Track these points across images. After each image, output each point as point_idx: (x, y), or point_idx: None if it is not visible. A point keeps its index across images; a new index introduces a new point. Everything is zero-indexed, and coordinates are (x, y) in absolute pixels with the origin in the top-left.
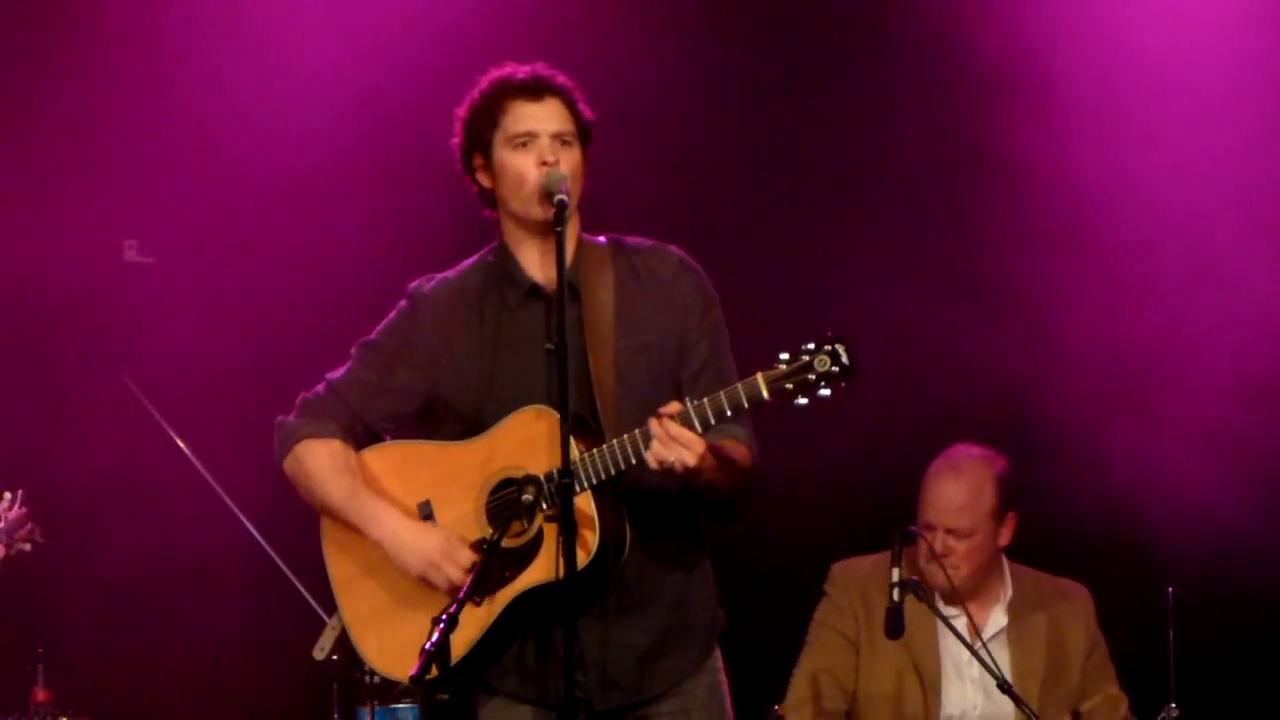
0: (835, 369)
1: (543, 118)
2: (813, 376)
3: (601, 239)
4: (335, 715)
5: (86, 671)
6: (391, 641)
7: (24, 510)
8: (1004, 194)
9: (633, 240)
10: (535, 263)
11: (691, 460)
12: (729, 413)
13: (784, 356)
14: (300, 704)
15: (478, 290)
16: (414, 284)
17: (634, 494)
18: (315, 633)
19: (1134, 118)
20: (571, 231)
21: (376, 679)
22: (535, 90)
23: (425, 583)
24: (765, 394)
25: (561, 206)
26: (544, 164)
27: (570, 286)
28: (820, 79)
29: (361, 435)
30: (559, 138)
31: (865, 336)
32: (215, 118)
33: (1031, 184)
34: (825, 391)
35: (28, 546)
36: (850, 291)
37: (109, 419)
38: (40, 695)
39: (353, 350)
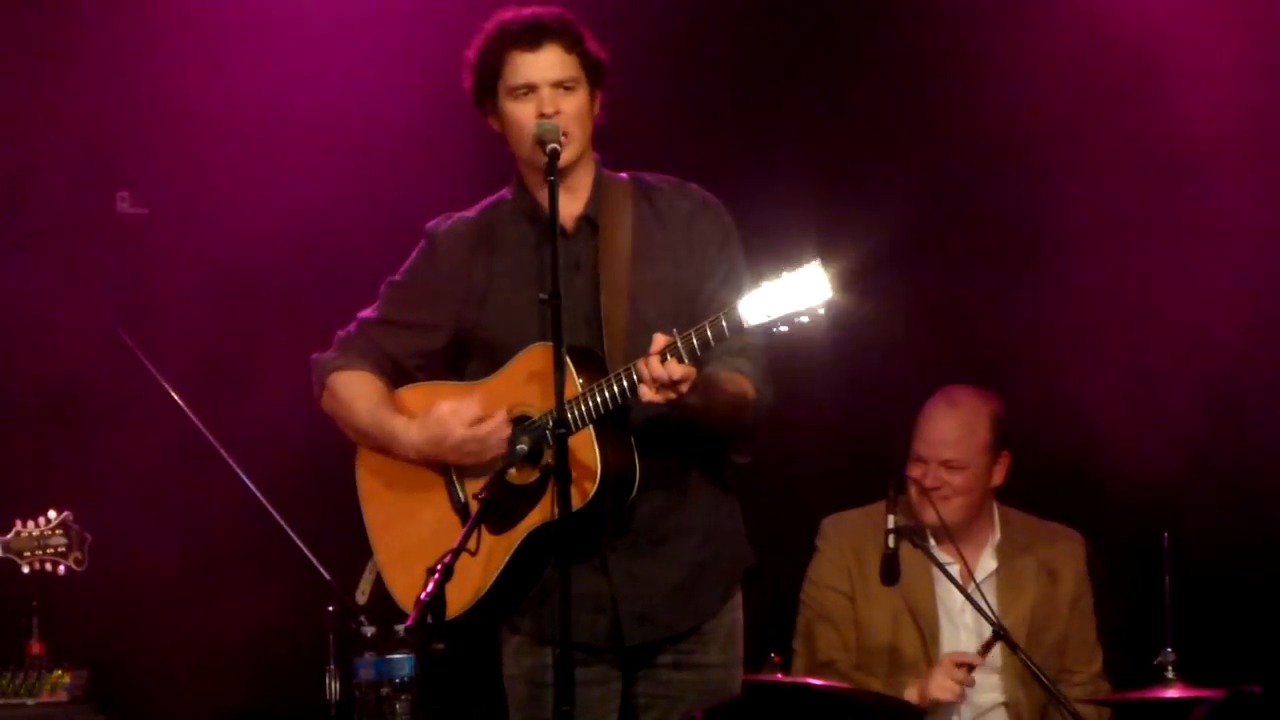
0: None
1: (541, 67)
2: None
3: (623, 175)
4: (331, 665)
5: (81, 625)
6: (420, 582)
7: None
8: (995, 133)
9: (653, 177)
10: None
11: (684, 388)
12: (712, 342)
13: (765, 284)
14: (297, 655)
15: (497, 227)
16: (432, 223)
17: (653, 427)
18: (312, 583)
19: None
20: (587, 169)
21: (372, 631)
22: (533, 39)
23: (463, 466)
24: (745, 322)
25: (554, 156)
26: (542, 115)
27: (589, 221)
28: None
29: (391, 372)
30: (560, 85)
31: (863, 285)
32: (209, 66)
33: (1026, 127)
34: (804, 320)
35: (61, 569)
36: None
37: (101, 370)
38: (35, 648)
39: (381, 289)
